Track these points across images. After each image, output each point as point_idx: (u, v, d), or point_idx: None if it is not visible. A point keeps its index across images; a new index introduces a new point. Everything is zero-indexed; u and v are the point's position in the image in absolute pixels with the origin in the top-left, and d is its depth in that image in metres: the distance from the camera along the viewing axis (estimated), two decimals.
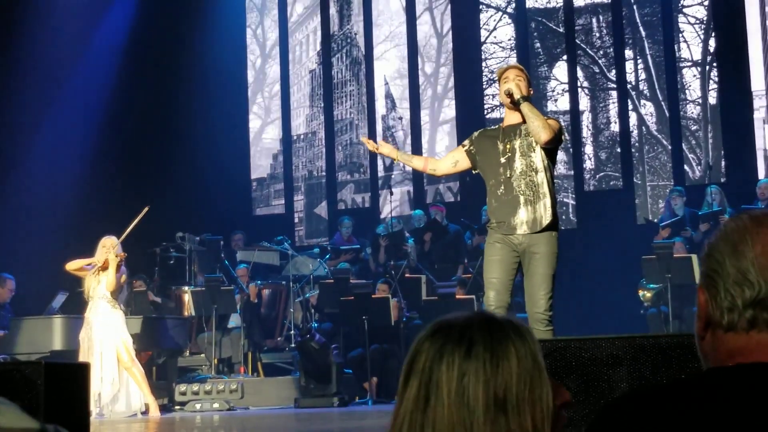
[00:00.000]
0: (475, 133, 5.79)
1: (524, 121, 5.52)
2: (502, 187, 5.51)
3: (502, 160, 5.53)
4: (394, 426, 1.39)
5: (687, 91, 13.38)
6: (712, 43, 13.30)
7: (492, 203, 5.58)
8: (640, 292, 10.30)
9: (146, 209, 8.72)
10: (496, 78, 5.77)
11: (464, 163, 5.76)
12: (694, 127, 13.46)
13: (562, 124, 5.75)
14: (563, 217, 13.55)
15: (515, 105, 5.51)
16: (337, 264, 11.91)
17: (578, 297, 11.20)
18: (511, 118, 5.60)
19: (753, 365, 1.33)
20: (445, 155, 5.96)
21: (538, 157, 5.48)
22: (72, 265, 8.74)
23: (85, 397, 4.64)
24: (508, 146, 5.54)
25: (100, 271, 8.55)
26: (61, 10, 12.39)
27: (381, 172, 14.44)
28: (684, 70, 13.46)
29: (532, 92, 5.66)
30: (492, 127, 5.82)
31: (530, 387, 1.35)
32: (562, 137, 5.65)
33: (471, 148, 5.71)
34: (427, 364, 1.37)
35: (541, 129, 5.38)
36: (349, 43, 14.93)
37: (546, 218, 5.43)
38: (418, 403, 1.36)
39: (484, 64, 14.09)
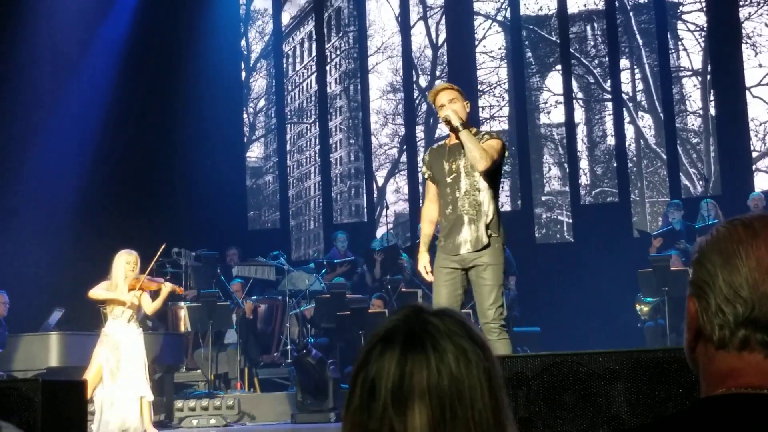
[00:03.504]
0: (426, 156, 5.88)
1: None
2: (450, 207, 5.58)
3: (448, 180, 5.61)
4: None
5: (687, 102, 13.13)
6: None
7: (442, 222, 5.66)
8: (637, 306, 10.28)
9: (163, 246, 8.60)
10: (430, 101, 5.82)
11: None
12: (695, 140, 13.25)
13: (504, 140, 5.76)
14: (557, 235, 13.47)
15: (454, 132, 5.56)
16: (333, 278, 11.87)
17: (575, 311, 11.15)
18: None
19: (741, 396, 1.30)
20: (427, 199, 5.88)
21: (481, 177, 5.52)
22: (101, 295, 8.05)
23: (83, 414, 4.61)
24: (453, 166, 5.61)
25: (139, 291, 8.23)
26: (51, 34, 12.37)
27: (375, 190, 14.35)
28: (684, 80, 13.20)
29: (468, 106, 5.73)
30: (440, 143, 5.85)
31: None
32: (505, 155, 5.67)
33: (429, 173, 5.78)
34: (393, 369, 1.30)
35: (478, 159, 5.42)
36: (339, 55, 14.75)
37: (485, 237, 5.46)
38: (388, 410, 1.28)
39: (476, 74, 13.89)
